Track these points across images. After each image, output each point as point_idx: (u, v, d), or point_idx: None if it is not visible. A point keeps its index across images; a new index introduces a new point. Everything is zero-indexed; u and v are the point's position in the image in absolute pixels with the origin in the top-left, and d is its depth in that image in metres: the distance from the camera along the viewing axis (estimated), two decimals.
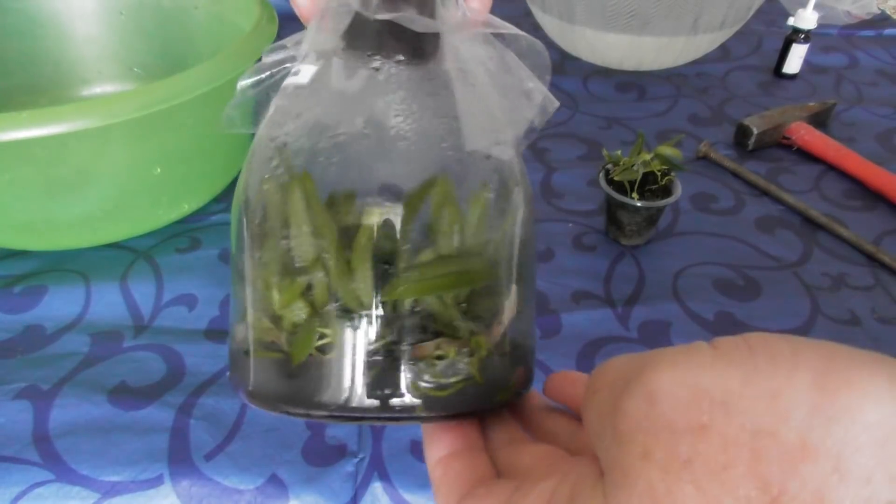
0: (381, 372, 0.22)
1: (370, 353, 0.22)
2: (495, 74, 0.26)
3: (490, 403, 0.24)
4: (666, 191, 0.53)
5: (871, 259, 0.54)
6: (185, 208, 0.57)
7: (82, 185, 0.50)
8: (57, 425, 0.41)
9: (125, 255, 0.55)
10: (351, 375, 0.22)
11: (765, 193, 0.62)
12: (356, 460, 0.39)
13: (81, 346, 0.47)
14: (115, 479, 0.38)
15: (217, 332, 0.48)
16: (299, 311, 0.23)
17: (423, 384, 0.22)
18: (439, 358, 0.22)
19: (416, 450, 0.40)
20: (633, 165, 0.53)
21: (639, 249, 0.55)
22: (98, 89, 0.72)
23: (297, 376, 0.22)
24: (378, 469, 0.39)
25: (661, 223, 0.57)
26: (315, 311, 0.22)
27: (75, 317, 0.49)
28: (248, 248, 0.24)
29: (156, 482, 0.38)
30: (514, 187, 0.25)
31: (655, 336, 0.47)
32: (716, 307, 0.50)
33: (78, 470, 0.39)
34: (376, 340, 0.22)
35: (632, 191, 0.52)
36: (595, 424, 0.17)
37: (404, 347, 0.22)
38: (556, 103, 0.27)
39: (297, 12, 0.26)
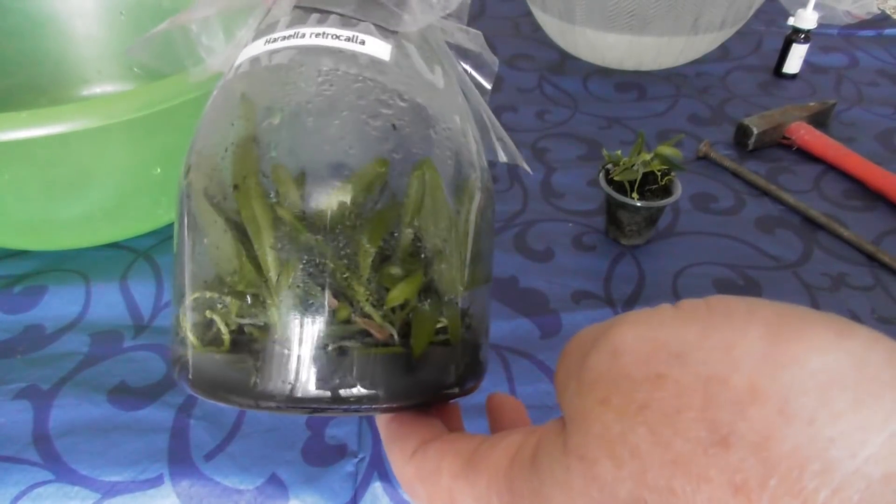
0: (327, 362, 0.21)
1: (316, 343, 0.21)
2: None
3: (437, 394, 0.22)
4: (666, 191, 0.53)
5: (871, 259, 0.54)
6: None
7: (82, 185, 0.50)
8: (57, 425, 0.41)
9: (125, 255, 0.55)
10: (296, 366, 0.20)
11: (765, 193, 0.62)
12: (356, 460, 0.39)
13: (81, 346, 0.47)
14: (115, 479, 0.38)
15: None
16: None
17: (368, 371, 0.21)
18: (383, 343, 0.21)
19: None
20: (633, 165, 0.53)
21: (639, 249, 0.55)
22: (98, 89, 0.72)
23: (239, 367, 0.21)
24: (378, 469, 0.39)
25: (661, 223, 0.57)
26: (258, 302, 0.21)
27: (75, 317, 0.49)
28: (187, 230, 0.24)
29: (156, 482, 0.38)
30: (471, 172, 0.24)
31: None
32: None
33: (78, 470, 0.39)
34: (319, 328, 0.21)
35: (632, 191, 0.52)
36: (562, 382, 0.17)
37: (350, 341, 0.21)
38: (494, 59, 0.27)
39: None
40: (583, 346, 0.17)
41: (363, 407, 0.21)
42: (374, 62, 0.23)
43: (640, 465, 0.14)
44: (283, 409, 0.21)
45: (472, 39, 0.28)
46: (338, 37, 0.24)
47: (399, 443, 0.22)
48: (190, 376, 0.22)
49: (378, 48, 0.24)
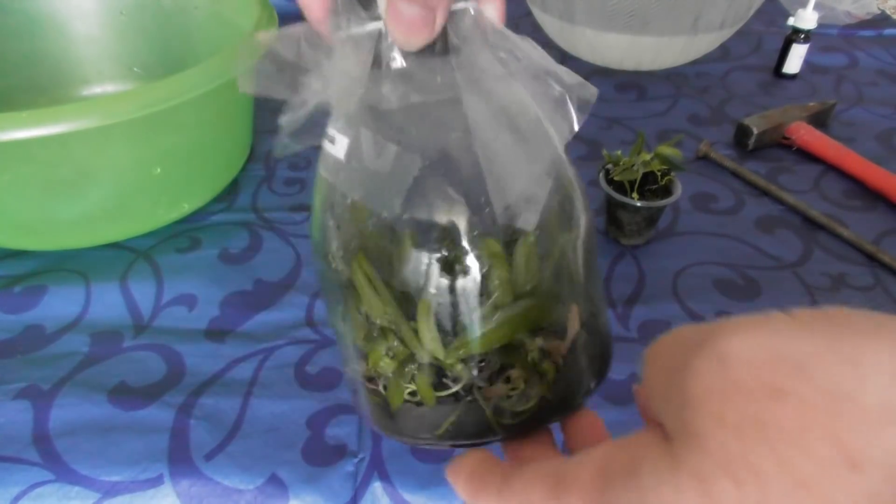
0: (462, 414, 0.26)
1: (451, 398, 0.25)
2: (522, 83, 0.26)
3: (564, 412, 0.26)
4: (666, 191, 0.53)
5: (871, 259, 0.54)
6: (185, 208, 0.57)
7: (82, 185, 0.50)
8: (57, 425, 0.41)
9: (125, 255, 0.55)
10: (435, 418, 0.26)
11: (765, 193, 0.62)
12: (356, 460, 0.39)
13: (81, 346, 0.47)
14: (115, 479, 0.38)
15: (217, 332, 0.48)
16: (386, 367, 0.26)
17: (500, 417, 0.26)
18: (513, 389, 0.25)
19: (417, 450, 0.40)
20: (633, 165, 0.53)
21: (639, 249, 0.55)
22: (98, 89, 0.72)
23: (396, 417, 0.27)
24: (378, 469, 0.39)
25: (661, 223, 0.57)
26: (400, 366, 0.26)
27: (75, 317, 0.49)
28: (331, 299, 0.28)
29: (156, 482, 0.38)
30: (575, 197, 0.26)
31: (655, 336, 0.47)
32: (716, 307, 0.50)
33: (78, 470, 0.39)
34: (454, 385, 0.25)
35: (632, 191, 0.52)
36: (659, 389, 0.16)
37: (478, 388, 0.25)
38: (594, 90, 0.26)
39: (308, 16, 0.24)
40: (680, 349, 0.16)
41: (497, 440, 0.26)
42: (336, 163, 0.24)
43: (762, 487, 0.13)
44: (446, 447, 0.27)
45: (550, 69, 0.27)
46: (330, 138, 0.25)
47: (482, 489, 0.21)
48: (366, 414, 0.28)
49: (341, 145, 0.24)
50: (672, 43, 0.75)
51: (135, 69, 0.72)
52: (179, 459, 0.39)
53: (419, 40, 0.21)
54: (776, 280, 0.52)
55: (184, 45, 0.68)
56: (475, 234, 0.24)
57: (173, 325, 0.48)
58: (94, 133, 0.44)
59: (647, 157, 0.52)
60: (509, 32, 0.25)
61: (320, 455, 0.40)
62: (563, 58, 0.85)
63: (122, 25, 0.70)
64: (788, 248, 0.56)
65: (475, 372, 0.25)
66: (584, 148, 0.69)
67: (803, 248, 0.56)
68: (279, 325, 0.48)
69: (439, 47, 0.23)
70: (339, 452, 0.40)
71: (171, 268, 0.53)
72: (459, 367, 0.25)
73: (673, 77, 0.81)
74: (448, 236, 0.24)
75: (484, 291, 0.24)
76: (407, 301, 0.25)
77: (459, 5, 0.23)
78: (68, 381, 0.44)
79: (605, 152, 0.56)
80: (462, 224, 0.24)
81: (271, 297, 0.51)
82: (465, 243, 0.24)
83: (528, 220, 0.24)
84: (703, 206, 0.60)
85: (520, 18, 0.93)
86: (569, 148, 0.27)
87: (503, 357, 0.25)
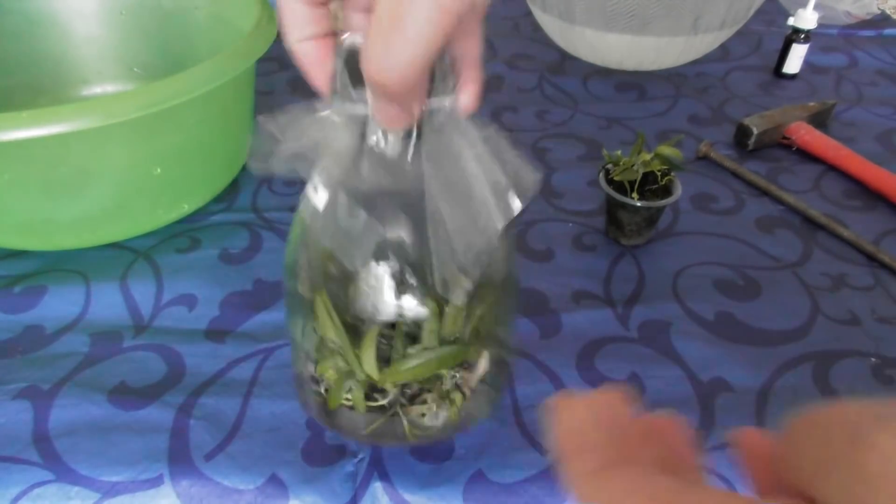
0: (386, 423, 0.34)
1: (378, 409, 0.34)
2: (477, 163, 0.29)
3: (466, 429, 0.36)
4: (666, 191, 0.53)
5: (871, 259, 0.54)
6: (185, 208, 0.57)
7: (82, 185, 0.50)
8: (57, 425, 0.41)
9: (125, 255, 0.55)
10: (363, 422, 0.34)
11: (765, 193, 0.62)
12: (356, 460, 0.39)
13: (81, 346, 0.47)
14: (115, 479, 0.38)
15: (217, 333, 0.48)
16: (330, 378, 0.34)
17: (414, 429, 0.34)
18: (429, 409, 0.34)
19: (416, 450, 0.40)
20: (633, 165, 0.53)
21: (639, 249, 0.55)
22: (98, 89, 0.72)
23: (333, 414, 0.35)
24: (378, 469, 0.39)
25: (661, 223, 0.57)
26: (341, 378, 0.33)
27: (75, 317, 0.49)
28: (292, 313, 0.35)
29: (156, 482, 0.38)
30: (501, 258, 0.33)
31: (655, 336, 0.47)
32: (716, 307, 0.50)
33: (78, 470, 0.39)
34: (381, 399, 0.34)
35: (632, 191, 0.52)
36: (813, 461, 0.15)
37: (401, 405, 0.33)
38: (535, 179, 0.29)
39: (310, 78, 0.28)
40: (848, 422, 0.14)
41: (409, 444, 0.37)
42: (314, 210, 0.29)
43: None
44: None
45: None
46: (314, 186, 0.29)
47: (583, 457, 0.20)
48: (314, 410, 0.36)
49: (321, 197, 0.29)
50: (672, 43, 0.75)
51: (135, 69, 0.72)
52: (179, 459, 0.39)
53: (399, 127, 0.27)
54: (776, 280, 0.52)
55: (184, 46, 0.68)
56: (418, 294, 0.30)
57: (173, 325, 0.48)
58: (94, 133, 0.44)
59: (647, 157, 0.52)
60: (474, 124, 0.29)
61: (320, 455, 0.40)
62: (563, 58, 0.85)
63: (122, 25, 0.70)
64: (788, 248, 0.56)
65: (400, 393, 0.33)
66: (584, 148, 0.69)
67: (803, 248, 0.56)
68: (279, 325, 0.48)
69: (415, 132, 0.28)
70: (339, 452, 0.40)
71: (171, 268, 0.53)
72: (391, 387, 0.33)
73: (673, 77, 0.81)
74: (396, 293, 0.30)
75: (418, 337, 0.31)
76: (355, 330, 0.31)
77: (436, 103, 0.27)
78: (68, 381, 0.44)
79: (605, 152, 0.56)
80: (408, 288, 0.30)
81: (271, 297, 0.51)
82: (407, 299, 0.30)
83: (458, 298, 0.30)
84: (703, 206, 0.60)
85: (520, 18, 0.93)
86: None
87: (424, 384, 0.33)
